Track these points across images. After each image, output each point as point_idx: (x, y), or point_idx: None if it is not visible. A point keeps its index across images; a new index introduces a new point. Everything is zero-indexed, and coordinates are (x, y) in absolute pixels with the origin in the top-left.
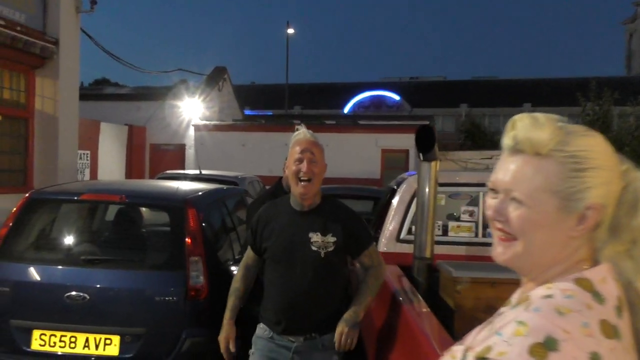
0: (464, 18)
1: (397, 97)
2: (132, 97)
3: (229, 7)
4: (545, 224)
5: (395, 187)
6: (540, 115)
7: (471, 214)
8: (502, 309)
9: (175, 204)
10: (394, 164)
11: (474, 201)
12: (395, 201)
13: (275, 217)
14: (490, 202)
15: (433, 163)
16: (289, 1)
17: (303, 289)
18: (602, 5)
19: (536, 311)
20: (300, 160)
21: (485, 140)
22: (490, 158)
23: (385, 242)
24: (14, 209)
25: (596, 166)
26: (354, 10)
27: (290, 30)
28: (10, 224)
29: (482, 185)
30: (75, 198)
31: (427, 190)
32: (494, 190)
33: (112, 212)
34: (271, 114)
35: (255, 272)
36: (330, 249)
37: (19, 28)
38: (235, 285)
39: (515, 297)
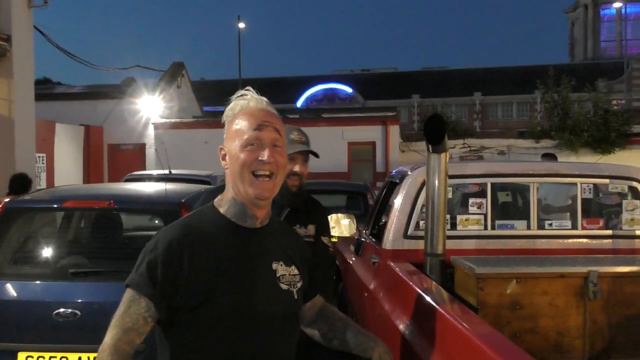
0: (414, 8)
1: (349, 90)
2: (87, 95)
3: (179, 2)
4: None
5: (397, 181)
6: None
7: (480, 205)
8: None
9: (170, 208)
10: (361, 156)
11: (482, 192)
12: (400, 196)
13: (206, 243)
14: None
15: (443, 155)
16: None
17: None
18: None
19: None
20: (255, 143)
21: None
22: (453, 147)
23: (392, 239)
24: None
25: None
26: (305, 2)
27: (242, 25)
28: None
29: (491, 175)
30: (57, 206)
31: (437, 183)
32: None
33: (99, 219)
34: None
35: None
36: (298, 285)
37: None
38: None
39: None
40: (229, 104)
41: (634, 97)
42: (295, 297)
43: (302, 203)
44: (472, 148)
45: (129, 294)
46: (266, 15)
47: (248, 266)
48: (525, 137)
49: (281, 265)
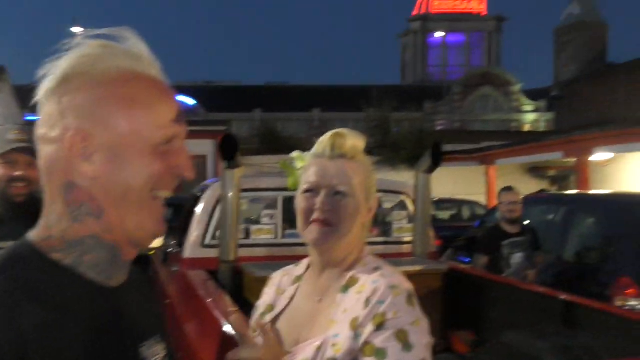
0: (259, 23)
1: (192, 102)
2: None
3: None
4: (359, 212)
5: (199, 194)
6: (348, 131)
7: (271, 217)
8: (338, 296)
9: None
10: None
11: (273, 205)
12: (199, 208)
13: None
14: (311, 200)
15: (236, 170)
16: None
17: None
18: (382, 18)
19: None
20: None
21: (280, 144)
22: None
23: (191, 248)
24: None
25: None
26: (145, 9)
27: (77, 29)
28: None
29: (282, 189)
30: None
31: (230, 196)
32: (312, 191)
33: None
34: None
35: None
36: None
37: None
38: None
39: (321, 285)
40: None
41: (454, 119)
42: None
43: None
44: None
45: None
46: (105, 19)
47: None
48: None
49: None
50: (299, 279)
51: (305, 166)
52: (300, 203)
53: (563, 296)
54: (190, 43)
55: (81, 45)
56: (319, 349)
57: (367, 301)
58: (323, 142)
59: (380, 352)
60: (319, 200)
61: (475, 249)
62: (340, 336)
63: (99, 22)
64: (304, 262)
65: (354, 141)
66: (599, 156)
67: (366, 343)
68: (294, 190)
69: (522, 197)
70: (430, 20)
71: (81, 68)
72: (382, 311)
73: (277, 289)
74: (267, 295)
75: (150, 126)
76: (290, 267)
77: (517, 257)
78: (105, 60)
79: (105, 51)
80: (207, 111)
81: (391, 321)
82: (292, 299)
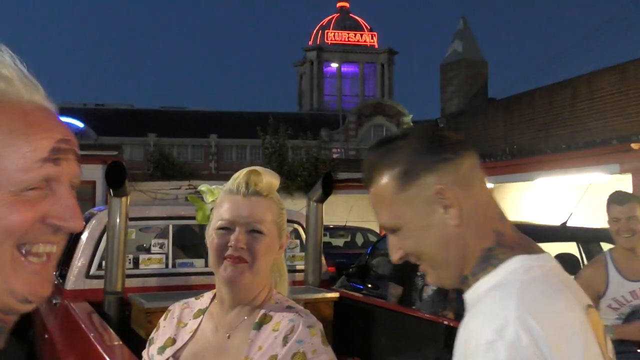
0: (154, 46)
1: (81, 124)
2: None
3: None
4: (272, 250)
5: (84, 222)
6: (262, 169)
7: (162, 245)
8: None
9: None
10: (82, 195)
11: (164, 233)
12: (84, 237)
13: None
14: (225, 236)
15: (124, 198)
16: None
17: None
18: (279, 46)
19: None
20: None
21: (175, 170)
22: (179, 188)
23: (74, 279)
24: None
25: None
26: (37, 24)
27: None
28: None
29: (172, 218)
30: None
31: (117, 224)
32: (226, 228)
33: None
34: None
35: None
36: None
37: None
38: None
39: (230, 321)
40: None
41: (349, 147)
42: None
43: None
44: (197, 189)
45: None
46: None
47: None
48: None
49: None
50: (201, 312)
51: (218, 201)
52: (214, 239)
53: (445, 321)
54: (82, 64)
55: None
56: None
57: (285, 339)
58: (238, 178)
59: None
60: (233, 237)
61: (390, 278)
62: None
63: None
64: (207, 295)
65: (270, 179)
66: None
67: None
68: (203, 224)
69: None
70: (326, 51)
71: None
72: (302, 350)
73: (178, 322)
74: (167, 328)
75: (10, 168)
76: (190, 299)
77: (429, 290)
78: None
79: None
80: (97, 134)
81: None
82: (194, 332)
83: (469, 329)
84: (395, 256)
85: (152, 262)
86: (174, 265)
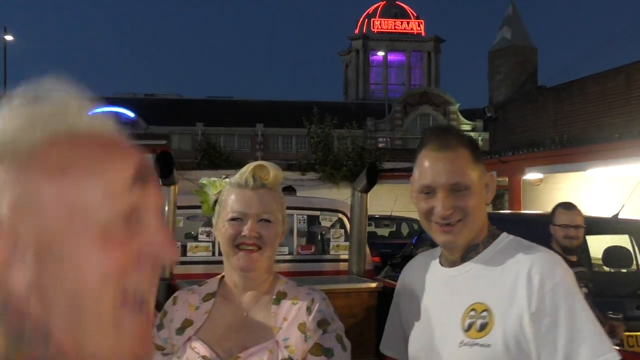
0: (201, 38)
1: (131, 114)
2: None
3: None
4: (279, 236)
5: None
6: (267, 163)
7: (208, 234)
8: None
9: None
10: None
11: (210, 222)
12: None
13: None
14: (238, 227)
15: (172, 187)
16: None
17: None
18: (325, 35)
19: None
20: None
21: (222, 159)
22: (227, 177)
23: None
24: None
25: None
26: (82, 21)
27: (9, 37)
28: None
29: None
30: None
31: (166, 213)
32: (238, 219)
33: None
34: None
35: None
36: None
37: None
38: None
39: (246, 302)
40: None
41: (395, 137)
42: None
43: None
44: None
45: None
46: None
47: None
48: (292, 169)
49: None
50: (211, 295)
51: (225, 194)
52: (227, 230)
53: None
54: (131, 56)
55: None
56: (271, 351)
57: (309, 309)
58: (245, 173)
59: (329, 351)
60: (247, 227)
61: None
62: (291, 339)
63: (32, 31)
64: (211, 281)
65: (275, 172)
66: (530, 176)
67: (315, 344)
68: (209, 216)
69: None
70: (372, 39)
71: None
72: (325, 317)
73: (190, 305)
74: (180, 312)
75: (95, 198)
76: (194, 286)
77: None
78: (25, 131)
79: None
80: (147, 124)
81: (332, 326)
82: (209, 313)
83: (514, 271)
84: (447, 211)
85: (199, 250)
86: (220, 254)
